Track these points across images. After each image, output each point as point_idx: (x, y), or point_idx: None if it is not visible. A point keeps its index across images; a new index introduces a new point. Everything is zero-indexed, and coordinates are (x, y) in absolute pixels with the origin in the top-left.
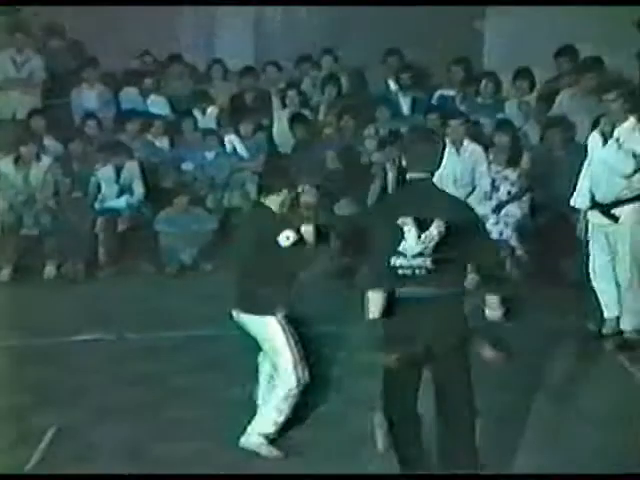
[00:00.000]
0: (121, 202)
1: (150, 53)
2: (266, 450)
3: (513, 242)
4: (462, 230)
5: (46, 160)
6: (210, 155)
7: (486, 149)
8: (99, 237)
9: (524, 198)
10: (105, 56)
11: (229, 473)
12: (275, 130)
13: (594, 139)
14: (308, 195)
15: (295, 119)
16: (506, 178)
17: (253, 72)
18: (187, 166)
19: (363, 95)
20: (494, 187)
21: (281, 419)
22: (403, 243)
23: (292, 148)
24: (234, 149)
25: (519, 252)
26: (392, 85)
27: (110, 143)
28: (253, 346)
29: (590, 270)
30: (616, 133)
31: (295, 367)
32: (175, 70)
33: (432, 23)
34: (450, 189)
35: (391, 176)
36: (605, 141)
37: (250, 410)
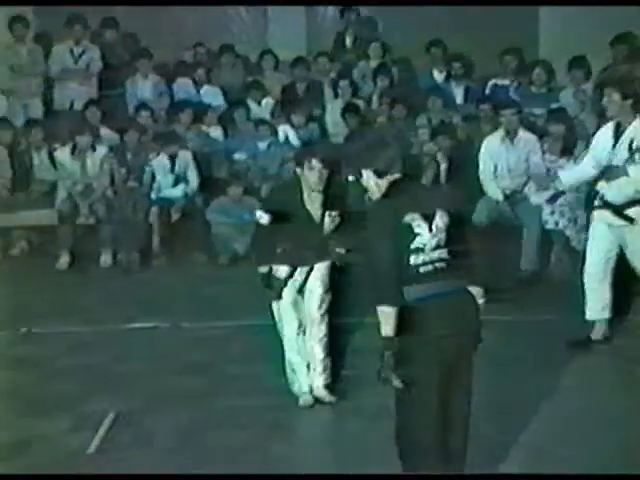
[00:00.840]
0: (175, 192)
1: (203, 44)
2: (329, 398)
3: (568, 232)
4: (462, 219)
5: (102, 150)
6: (263, 145)
7: (540, 138)
8: (153, 226)
9: (580, 188)
10: (158, 47)
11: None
12: (327, 120)
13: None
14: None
15: (347, 109)
16: (561, 168)
17: (304, 62)
18: (240, 156)
19: (415, 84)
20: (548, 177)
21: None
22: (418, 239)
23: (345, 138)
24: (286, 139)
25: (574, 242)
26: (436, 75)
27: (164, 133)
28: None
29: (585, 269)
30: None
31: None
32: (227, 61)
33: (484, 12)
34: (505, 179)
35: (443, 167)
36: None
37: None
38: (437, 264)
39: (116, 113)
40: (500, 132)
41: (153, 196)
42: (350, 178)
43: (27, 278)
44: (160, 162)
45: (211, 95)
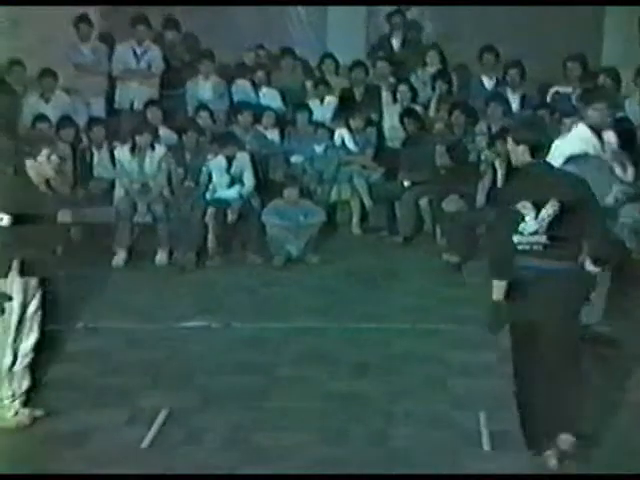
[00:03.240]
0: (232, 192)
1: (263, 47)
2: None
3: (629, 244)
4: (577, 207)
5: (160, 149)
6: (319, 148)
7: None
8: (209, 226)
9: None
10: (218, 49)
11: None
12: (385, 125)
13: None
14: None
15: (406, 114)
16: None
17: (363, 67)
18: (296, 159)
19: (474, 91)
20: (609, 187)
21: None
22: (522, 224)
23: (402, 143)
24: (343, 143)
25: (635, 255)
26: (486, 82)
27: (222, 134)
28: (357, 338)
29: None
30: None
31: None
32: (287, 64)
33: (546, 19)
34: None
35: (500, 174)
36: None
37: (352, 403)
38: (534, 246)
39: (176, 113)
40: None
41: (209, 197)
42: (406, 183)
43: (84, 274)
44: (217, 163)
45: (270, 97)
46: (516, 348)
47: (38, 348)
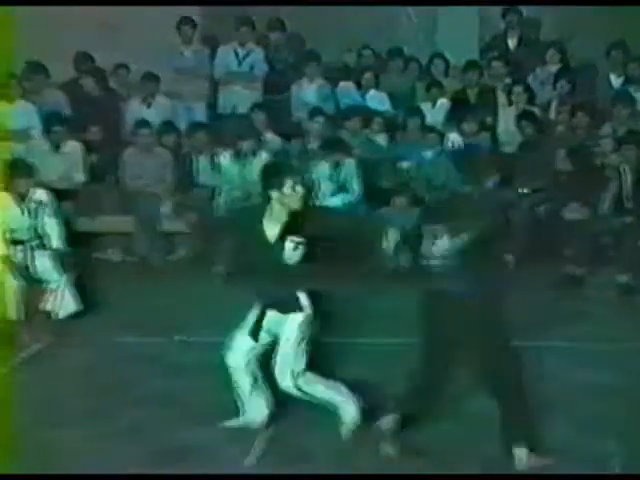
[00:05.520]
0: (337, 201)
1: (369, 47)
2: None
3: None
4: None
5: (263, 155)
6: (429, 154)
7: None
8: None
9: None
10: (322, 50)
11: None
12: (500, 128)
13: None
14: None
15: (523, 116)
16: None
17: (478, 67)
18: (406, 164)
19: (599, 91)
20: None
21: None
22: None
23: (518, 147)
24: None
25: None
26: (614, 80)
27: (329, 140)
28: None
29: None
30: None
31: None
32: (396, 65)
33: None
34: None
35: (629, 179)
36: None
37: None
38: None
39: (281, 118)
40: None
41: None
42: (523, 191)
43: (185, 284)
44: (322, 170)
45: (378, 100)
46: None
47: None
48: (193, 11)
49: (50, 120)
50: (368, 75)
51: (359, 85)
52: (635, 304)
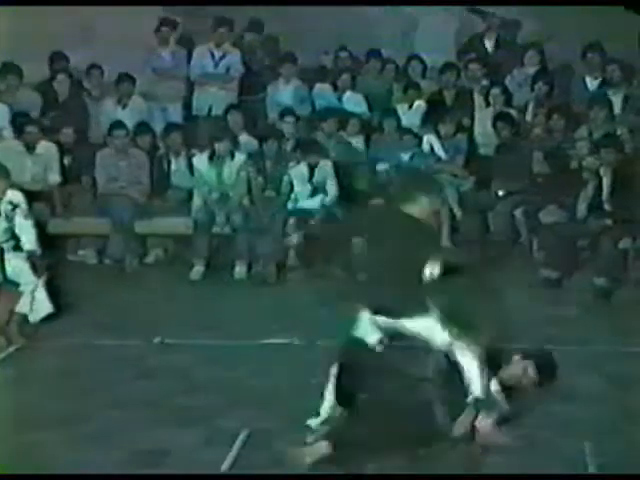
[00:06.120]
0: (314, 202)
1: (346, 49)
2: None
3: None
4: None
5: (240, 157)
6: (406, 156)
7: None
8: (290, 238)
9: None
10: (299, 51)
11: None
12: (477, 130)
13: None
14: None
15: (500, 118)
16: None
17: (455, 69)
18: (382, 167)
19: (575, 93)
20: None
21: None
22: None
23: (495, 149)
24: (431, 150)
25: None
26: (589, 83)
27: (305, 141)
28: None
29: None
30: None
31: None
32: (373, 66)
33: None
34: None
35: (607, 182)
36: None
37: None
38: None
39: (256, 119)
40: None
41: (290, 207)
42: (500, 193)
43: (160, 287)
44: (299, 171)
45: (354, 102)
46: None
47: None
48: (169, 11)
49: (24, 121)
50: (345, 77)
51: (335, 87)
52: (611, 307)
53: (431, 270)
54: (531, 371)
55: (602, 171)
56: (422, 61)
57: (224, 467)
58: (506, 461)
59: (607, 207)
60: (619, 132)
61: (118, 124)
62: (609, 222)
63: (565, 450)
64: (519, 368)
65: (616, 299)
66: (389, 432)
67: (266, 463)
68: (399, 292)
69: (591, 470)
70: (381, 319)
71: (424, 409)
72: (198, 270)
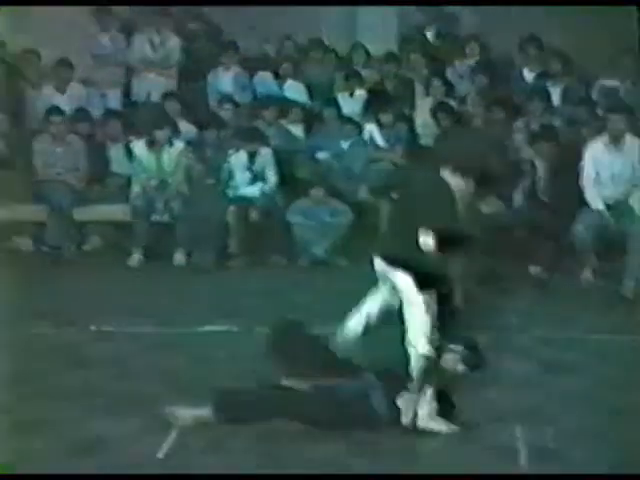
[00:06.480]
0: (254, 190)
1: (290, 38)
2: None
3: None
4: None
5: (179, 144)
6: (347, 144)
7: None
8: (230, 226)
9: None
10: (241, 40)
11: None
12: (418, 120)
13: None
14: None
15: (439, 108)
16: None
17: (396, 59)
18: (323, 155)
19: (514, 85)
20: None
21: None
22: None
23: (435, 139)
24: (372, 138)
25: None
26: (526, 74)
27: (245, 129)
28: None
29: None
30: None
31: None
32: (315, 55)
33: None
34: (608, 187)
35: (541, 173)
36: None
37: None
38: None
39: (196, 107)
40: (605, 136)
41: (230, 194)
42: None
43: (98, 274)
44: (239, 159)
45: (294, 90)
46: None
47: None
48: None
49: None
50: (286, 65)
51: (277, 75)
52: (548, 296)
53: (425, 239)
54: (459, 366)
55: (537, 162)
56: (365, 50)
57: (160, 454)
58: (440, 446)
59: (542, 198)
60: (556, 124)
61: (55, 110)
62: (544, 212)
63: (497, 435)
64: (449, 361)
65: (552, 287)
66: (321, 415)
67: (203, 450)
68: (406, 244)
69: (522, 454)
70: (381, 264)
71: (361, 395)
72: (136, 257)
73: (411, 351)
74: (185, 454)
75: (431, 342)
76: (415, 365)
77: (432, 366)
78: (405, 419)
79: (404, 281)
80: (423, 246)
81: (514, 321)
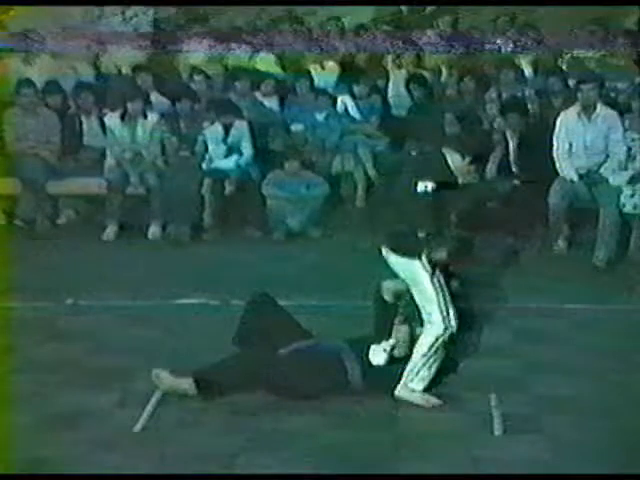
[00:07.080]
0: (229, 163)
1: (264, 9)
2: (420, 399)
3: None
4: None
5: (153, 117)
6: (321, 116)
7: (622, 115)
8: (205, 198)
9: None
10: (214, 12)
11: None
12: (390, 92)
13: None
14: None
15: (412, 80)
16: None
17: (369, 31)
18: (297, 127)
19: (486, 56)
20: (630, 156)
21: (431, 370)
22: None
23: (407, 110)
24: (345, 110)
25: None
26: (502, 45)
27: (219, 101)
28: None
29: None
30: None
31: (442, 313)
32: (289, 28)
33: None
34: (581, 158)
35: (513, 144)
36: None
37: None
38: None
39: (168, 79)
40: (576, 107)
41: (205, 167)
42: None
43: (73, 248)
44: (213, 132)
45: (266, 63)
46: None
47: None
48: None
49: None
50: (259, 37)
51: (251, 47)
52: (521, 266)
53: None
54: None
55: (508, 133)
56: (339, 22)
57: (137, 428)
58: (415, 415)
59: (514, 169)
60: (527, 94)
61: (26, 82)
62: (516, 183)
63: (472, 404)
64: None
65: (525, 258)
66: (296, 382)
67: (180, 423)
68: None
69: (495, 420)
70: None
71: (334, 360)
72: (111, 231)
73: (427, 327)
74: (161, 427)
75: (446, 318)
76: (428, 340)
77: (446, 341)
78: (375, 360)
79: (405, 264)
80: (421, 190)
81: (488, 291)
